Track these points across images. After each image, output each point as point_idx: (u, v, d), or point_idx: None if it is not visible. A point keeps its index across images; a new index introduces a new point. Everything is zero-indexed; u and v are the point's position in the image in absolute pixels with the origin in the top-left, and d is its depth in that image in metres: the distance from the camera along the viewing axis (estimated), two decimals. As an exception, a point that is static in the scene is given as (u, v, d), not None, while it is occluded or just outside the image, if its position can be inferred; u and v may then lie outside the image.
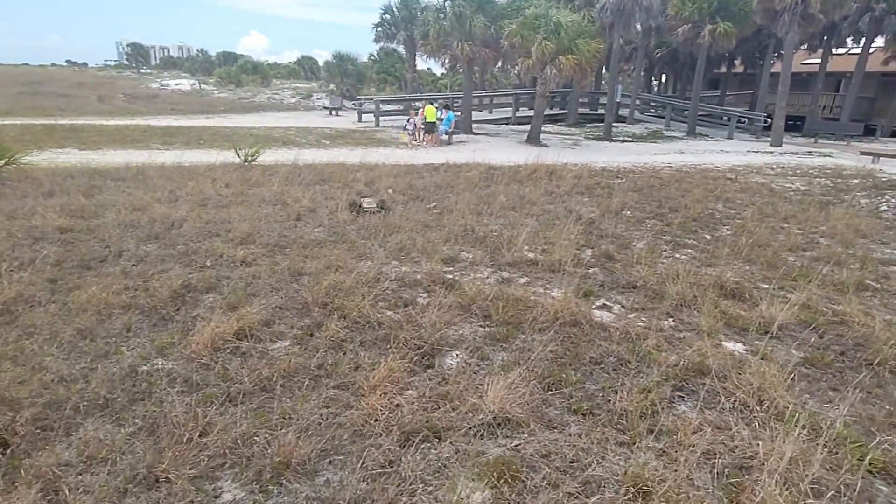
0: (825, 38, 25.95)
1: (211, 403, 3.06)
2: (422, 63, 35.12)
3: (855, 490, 2.48)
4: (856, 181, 12.45)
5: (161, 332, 3.94)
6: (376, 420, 2.97)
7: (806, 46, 27.08)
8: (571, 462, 2.74)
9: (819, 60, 26.68)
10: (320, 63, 55.27)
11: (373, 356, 3.68)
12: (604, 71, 30.83)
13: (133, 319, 4.07)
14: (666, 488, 2.40)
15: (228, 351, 3.66)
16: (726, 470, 2.69)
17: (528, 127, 19.95)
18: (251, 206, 7.60)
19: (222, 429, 2.81)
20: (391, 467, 2.64)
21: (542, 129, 19.98)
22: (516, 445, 2.86)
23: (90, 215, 6.78)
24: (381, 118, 22.87)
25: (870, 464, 2.72)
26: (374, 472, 2.60)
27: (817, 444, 2.62)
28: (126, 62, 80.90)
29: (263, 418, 2.97)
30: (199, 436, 2.76)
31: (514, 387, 3.21)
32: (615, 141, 21.19)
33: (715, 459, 2.76)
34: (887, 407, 3.35)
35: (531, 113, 20.95)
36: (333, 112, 27.40)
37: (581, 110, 28.27)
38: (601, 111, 26.36)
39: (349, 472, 2.59)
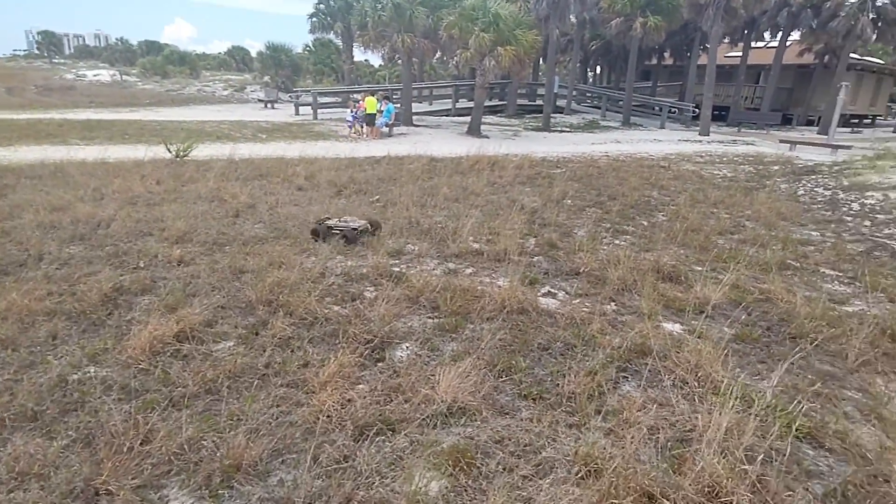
0: (746, 31, 27.50)
1: (152, 409, 2.91)
2: (359, 54, 34.59)
3: (784, 455, 2.66)
4: (776, 167, 13.29)
5: (92, 338, 3.71)
6: (328, 416, 2.92)
7: (728, 40, 28.62)
8: (524, 446, 2.79)
9: (741, 53, 28.25)
10: (253, 54, 53.31)
11: (322, 352, 3.62)
12: (541, 62, 31.46)
13: (60, 326, 3.81)
14: (615, 465, 2.49)
15: (169, 354, 3.49)
16: (669, 443, 2.82)
17: (468, 118, 20.08)
18: (186, 203, 7.26)
19: (166, 435, 2.68)
20: (346, 462, 2.61)
21: (483, 120, 20.17)
22: (470, 433, 2.89)
23: (4, 217, 6.28)
24: (319, 111, 22.38)
25: (797, 430, 2.94)
26: (328, 468, 2.56)
27: (749, 414, 2.79)
28: (37, 51, 74.97)
29: (210, 421, 2.86)
30: (141, 444, 2.63)
31: (465, 376, 3.24)
32: (554, 131, 21.67)
33: (658, 434, 2.89)
34: (810, 377, 3.61)
35: (471, 104, 21.09)
36: (269, 105, 26.58)
37: (520, 101, 28.72)
38: (539, 102, 26.87)
39: (303, 470, 2.54)
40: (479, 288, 4.80)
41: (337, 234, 5.86)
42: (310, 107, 22.57)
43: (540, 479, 2.56)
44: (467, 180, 9.69)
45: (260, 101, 28.15)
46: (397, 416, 2.98)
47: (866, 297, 4.98)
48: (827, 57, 26.82)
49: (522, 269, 5.27)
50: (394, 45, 18.72)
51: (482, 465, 2.65)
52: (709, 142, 19.63)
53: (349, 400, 3.08)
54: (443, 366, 3.37)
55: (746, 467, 2.52)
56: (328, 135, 17.40)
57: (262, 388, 3.19)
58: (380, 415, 2.97)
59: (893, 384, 3.56)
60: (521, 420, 3.03)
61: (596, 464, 2.57)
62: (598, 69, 43.45)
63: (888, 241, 6.76)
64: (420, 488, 2.45)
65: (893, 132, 25.85)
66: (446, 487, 2.50)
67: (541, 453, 2.73)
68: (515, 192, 9.00)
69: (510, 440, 2.83)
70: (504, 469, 2.62)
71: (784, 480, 2.58)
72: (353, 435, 2.80)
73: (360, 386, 3.29)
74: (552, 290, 4.99)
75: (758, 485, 2.49)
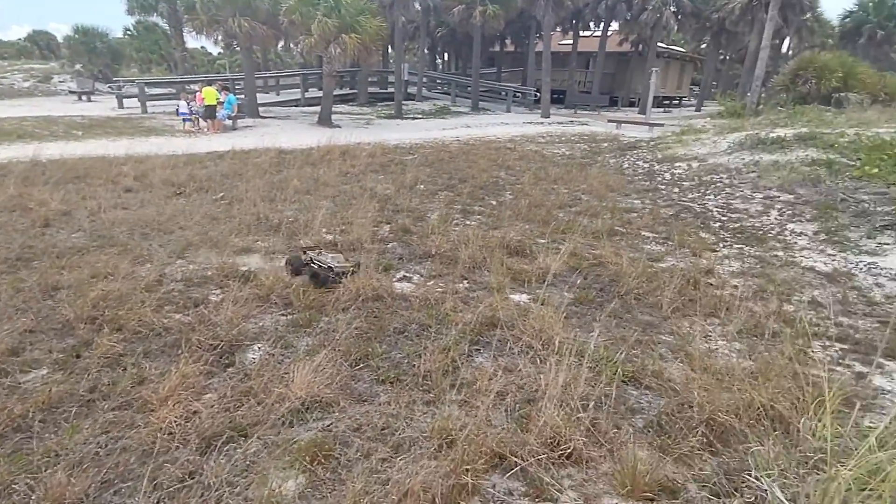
0: (574, 21, 29.94)
1: (-61, 462, 2.46)
2: (193, 41, 31.78)
3: (612, 397, 2.99)
4: (605, 144, 14.73)
5: None
6: (170, 433, 2.69)
7: (561, 28, 30.96)
8: (382, 430, 2.82)
9: (572, 41, 30.72)
10: (60, 39, 46.40)
11: (161, 366, 3.32)
12: (390, 50, 31.47)
13: None
14: (467, 433, 2.61)
15: (-40, 394, 2.96)
16: (517, 405, 3.03)
17: (318, 108, 19.49)
18: (-22, 214, 6.16)
19: (-40, 488, 2.28)
20: (192, 479, 2.43)
21: (333, 109, 19.73)
22: (328, 425, 2.85)
23: None
24: (149, 103, 20.21)
25: (623, 375, 3.31)
26: (170, 489, 2.36)
27: (582, 367, 3.08)
28: None
29: (20, 462, 2.48)
30: (-74, 504, 2.21)
31: (321, 369, 3.17)
32: (406, 118, 21.87)
33: (508, 398, 3.09)
34: (633, 327, 4.09)
35: (321, 94, 20.47)
36: (84, 97, 23.34)
37: (371, 90, 28.51)
38: (391, 90, 26.90)
39: (141, 496, 2.31)
40: (334, 279, 4.73)
41: (314, 268, 4.78)
42: (137, 99, 20.27)
43: (398, 458, 2.60)
44: (318, 171, 9.43)
45: (72, 92, 24.62)
46: (249, 420, 2.84)
47: (675, 254, 5.75)
48: (641, 46, 30.20)
49: (376, 256, 5.28)
50: (229, 31, 17.45)
51: (340, 454, 2.63)
52: (549, 123, 21.17)
53: (194, 412, 2.87)
54: (297, 362, 3.27)
55: (581, 415, 2.79)
56: (162, 130, 15.82)
57: (86, 415, 2.85)
58: (229, 422, 2.81)
59: (697, 325, 4.16)
60: (380, 405, 3.06)
61: (450, 435, 2.67)
62: (446, 56, 44.58)
63: (691, 204, 7.86)
64: (275, 490, 2.36)
65: (695, 111, 29.95)
66: (303, 484, 2.44)
67: (398, 434, 2.77)
68: (368, 181, 8.95)
69: (368, 426, 2.84)
70: (362, 455, 2.62)
71: (613, 420, 2.91)
72: (199, 448, 2.62)
73: (208, 395, 3.08)
74: (407, 275, 5.07)
75: (591, 428, 2.77)
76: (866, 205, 6.49)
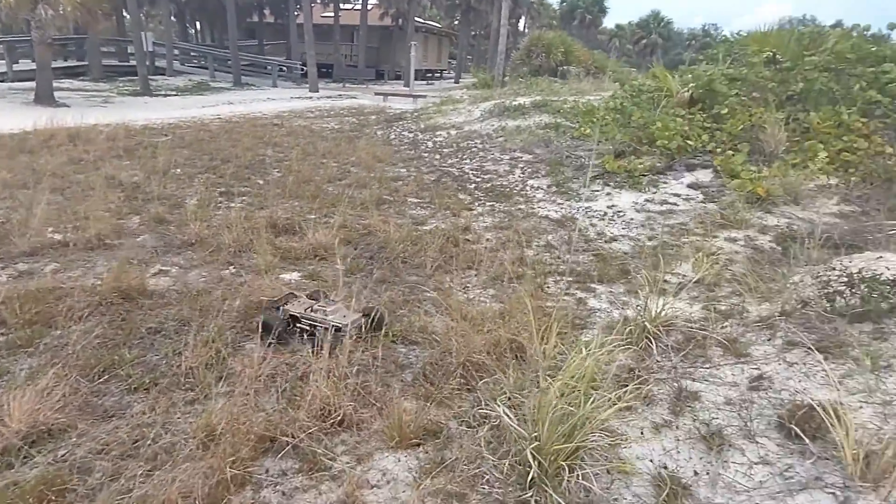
0: (332, -7, 29.56)
1: None
2: None
3: (379, 358, 3.14)
4: (373, 117, 15.03)
5: None
6: None
7: (321, 0, 30.29)
8: (135, 443, 2.53)
9: (333, 13, 30.33)
10: None
11: None
12: (126, 16, 27.30)
13: None
14: (225, 423, 2.48)
15: None
16: (288, 385, 2.98)
17: (35, 84, 16.07)
18: None
19: None
20: None
21: (59, 84, 16.56)
22: (62, 456, 2.46)
23: None
24: None
25: (392, 335, 3.50)
26: None
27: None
28: None
29: None
30: None
31: (49, 392, 2.70)
32: (157, 96, 19.41)
33: (279, 380, 3.02)
34: (401, 289, 4.31)
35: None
36: None
37: (108, 62, 24.58)
38: (134, 62, 23.45)
39: None
40: (67, 285, 4.05)
41: (307, 329, 3.40)
42: None
43: (157, 470, 2.37)
44: (38, 160, 7.84)
45: None
46: (-56, 475, 2.30)
47: (437, 216, 6.20)
48: (401, 20, 31.25)
49: (123, 253, 4.65)
50: None
51: (79, 483, 2.29)
52: (318, 98, 20.79)
53: None
54: (14, 390, 2.72)
55: (349, 381, 2.87)
56: None
57: None
58: None
59: (456, 279, 4.56)
60: (132, 416, 2.73)
61: (214, 430, 2.52)
62: (199, 26, 40.37)
63: (451, 169, 8.52)
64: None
65: (454, 83, 32.32)
66: (28, 530, 2.08)
67: (156, 443, 2.52)
68: (110, 168, 7.73)
69: (116, 443, 2.52)
70: (108, 478, 2.32)
71: (382, 380, 3.06)
72: None
73: None
74: (163, 268, 4.57)
75: (361, 391, 2.88)
76: (583, 160, 7.79)
